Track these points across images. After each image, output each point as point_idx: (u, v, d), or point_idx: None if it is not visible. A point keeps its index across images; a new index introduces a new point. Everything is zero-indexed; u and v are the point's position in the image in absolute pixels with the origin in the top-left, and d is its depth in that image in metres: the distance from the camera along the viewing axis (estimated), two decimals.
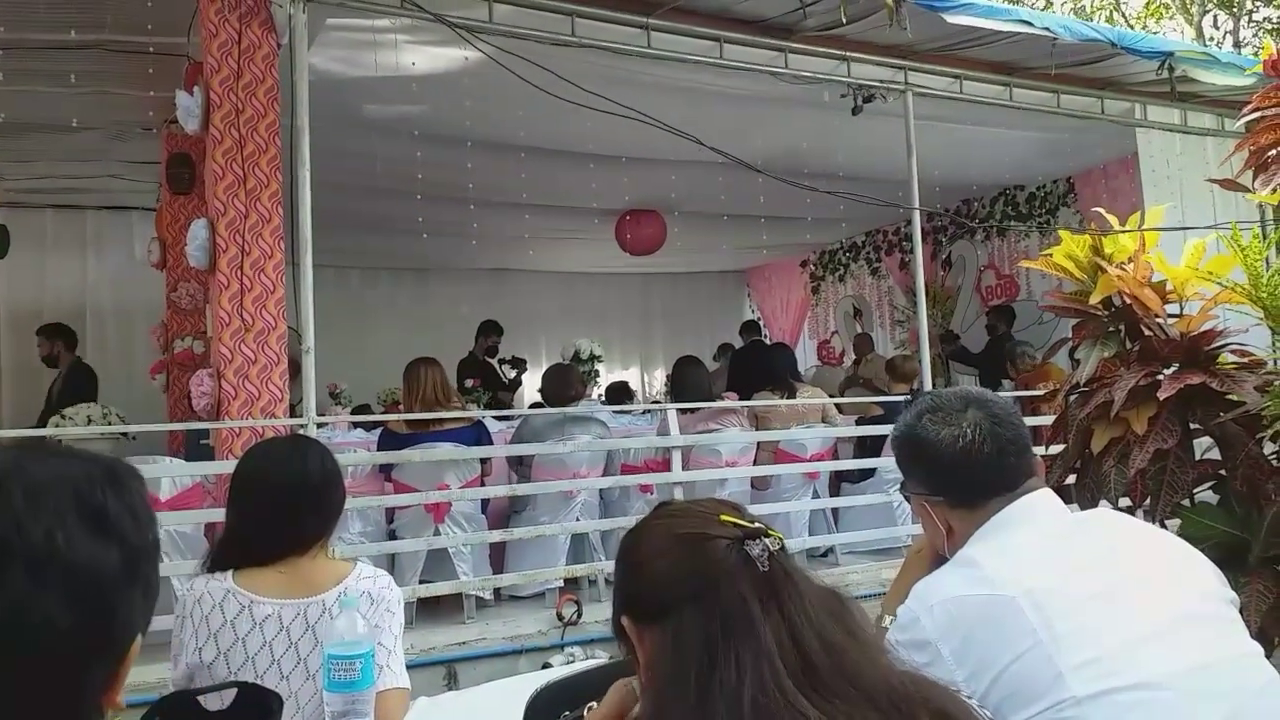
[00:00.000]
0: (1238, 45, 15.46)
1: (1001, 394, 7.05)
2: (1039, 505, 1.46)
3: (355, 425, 5.09)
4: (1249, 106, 2.80)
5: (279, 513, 1.92)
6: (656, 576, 1.07)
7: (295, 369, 4.19)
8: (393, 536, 4.33)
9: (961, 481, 1.49)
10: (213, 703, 1.65)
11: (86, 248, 8.51)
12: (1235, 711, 1.22)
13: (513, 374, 8.19)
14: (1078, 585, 1.30)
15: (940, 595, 1.34)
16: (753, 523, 1.06)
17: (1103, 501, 2.49)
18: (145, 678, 3.31)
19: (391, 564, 4.12)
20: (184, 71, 5.13)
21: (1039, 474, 1.53)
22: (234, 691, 1.66)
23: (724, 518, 1.07)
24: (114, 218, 8.44)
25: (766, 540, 1.03)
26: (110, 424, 4.50)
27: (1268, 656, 2.27)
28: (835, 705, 0.94)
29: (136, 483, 0.85)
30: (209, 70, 4.11)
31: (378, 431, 4.63)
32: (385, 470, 4.39)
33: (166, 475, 3.76)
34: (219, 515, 3.42)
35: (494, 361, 8.23)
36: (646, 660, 1.06)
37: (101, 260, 8.50)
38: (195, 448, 4.76)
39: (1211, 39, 15.95)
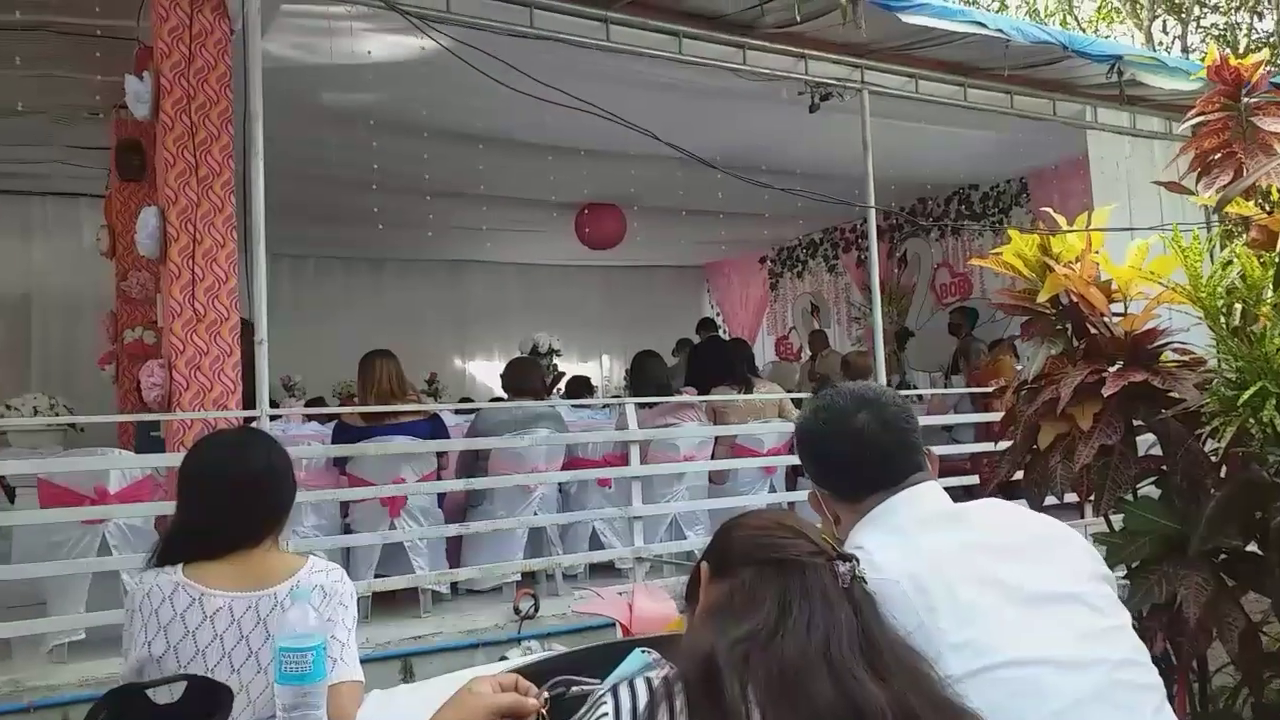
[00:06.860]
0: (1185, 51, 15.79)
1: (953, 390, 7.16)
2: (922, 496, 1.52)
3: (309, 418, 5.04)
4: (1193, 111, 2.88)
5: (227, 506, 1.90)
6: (747, 540, 1.20)
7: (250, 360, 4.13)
8: (347, 530, 4.29)
9: (846, 479, 1.57)
10: (162, 696, 1.64)
11: (33, 234, 8.33)
12: (1102, 680, 1.30)
13: None
14: (957, 569, 1.35)
15: None
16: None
17: (1050, 496, 2.55)
18: (95, 673, 3.28)
19: (346, 558, 4.09)
20: (134, 55, 5.04)
21: (929, 468, 1.58)
22: (184, 685, 1.64)
23: (825, 537, 1.20)
24: (62, 204, 8.26)
25: (856, 567, 1.16)
26: (57, 415, 4.42)
27: (1207, 646, 2.35)
28: (892, 687, 1.02)
29: None
30: (159, 55, 4.04)
31: (332, 424, 4.59)
32: (340, 464, 4.35)
33: (116, 468, 3.69)
34: (170, 508, 3.38)
35: None
36: (707, 603, 1.18)
37: (49, 247, 8.31)
38: (146, 439, 4.69)
39: (1160, 44, 16.28)
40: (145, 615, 1.81)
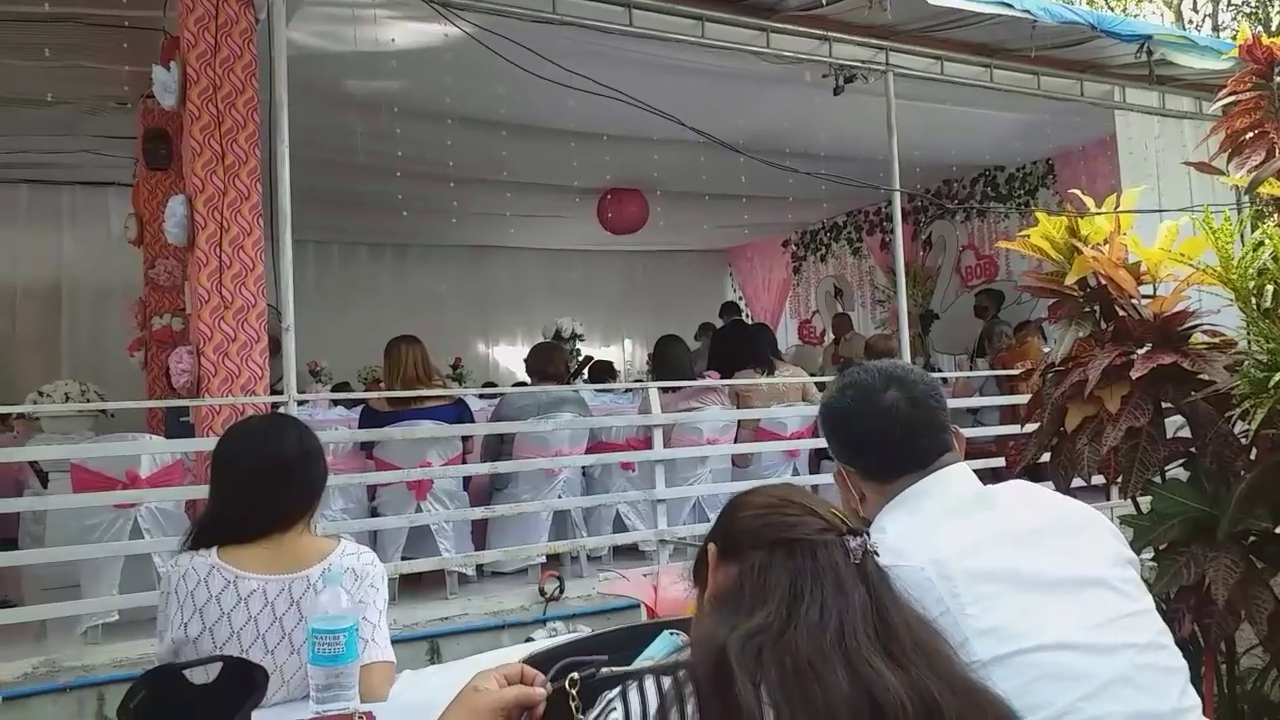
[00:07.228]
0: (1216, 29, 15.54)
1: (978, 373, 7.11)
2: (951, 478, 1.50)
3: (336, 403, 5.08)
4: (1224, 90, 2.84)
5: (260, 491, 1.92)
6: (755, 519, 1.17)
7: (275, 346, 4.18)
8: (374, 513, 4.34)
9: (874, 458, 1.54)
10: (198, 676, 1.67)
11: (62, 223, 8.42)
12: (1128, 664, 1.30)
13: None
14: (982, 554, 1.34)
15: None
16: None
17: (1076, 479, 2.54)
18: (128, 653, 3.34)
19: (374, 541, 4.13)
20: (160, 46, 5.07)
21: (956, 449, 1.57)
22: (219, 665, 1.67)
23: (834, 511, 1.18)
24: (91, 193, 8.35)
25: (868, 541, 1.13)
26: (89, 401, 4.48)
27: (1235, 628, 2.34)
28: (910, 672, 1.00)
29: None
30: (186, 45, 4.07)
31: (359, 409, 4.63)
32: (366, 448, 4.39)
33: (146, 453, 3.74)
34: (200, 492, 3.42)
35: None
36: (716, 588, 1.16)
37: (78, 236, 8.41)
38: (175, 425, 4.75)
39: (1190, 23, 16.02)
40: (181, 597, 1.84)
